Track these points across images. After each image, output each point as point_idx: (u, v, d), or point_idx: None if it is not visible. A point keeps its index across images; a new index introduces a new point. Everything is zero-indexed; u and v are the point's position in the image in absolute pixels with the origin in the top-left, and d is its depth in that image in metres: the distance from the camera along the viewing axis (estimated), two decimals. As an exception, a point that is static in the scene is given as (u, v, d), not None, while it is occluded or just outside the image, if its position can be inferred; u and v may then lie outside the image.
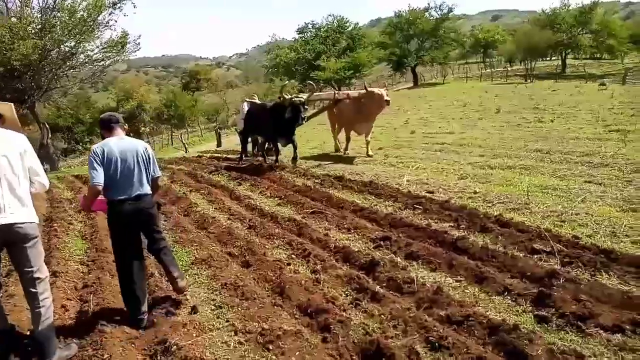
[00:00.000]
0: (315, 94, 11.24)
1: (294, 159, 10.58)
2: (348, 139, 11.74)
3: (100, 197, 3.89)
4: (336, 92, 11.91)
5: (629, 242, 4.78)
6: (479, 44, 70.36)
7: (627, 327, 3.22)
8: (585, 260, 4.34)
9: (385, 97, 10.08)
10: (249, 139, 12.68)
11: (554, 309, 3.57)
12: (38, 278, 3.34)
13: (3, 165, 3.19)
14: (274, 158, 11.24)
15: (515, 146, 10.65)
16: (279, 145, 11.07)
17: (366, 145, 11.24)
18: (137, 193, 3.91)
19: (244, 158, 12.42)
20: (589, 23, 46.06)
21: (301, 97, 9.95)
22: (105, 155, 3.79)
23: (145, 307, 4.05)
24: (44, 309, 3.35)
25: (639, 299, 3.58)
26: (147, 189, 4.00)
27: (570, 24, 46.89)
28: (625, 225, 5.19)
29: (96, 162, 3.74)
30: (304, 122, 9.95)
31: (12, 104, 3.90)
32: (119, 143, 3.92)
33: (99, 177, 3.70)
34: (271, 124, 10.22)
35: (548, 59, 60.20)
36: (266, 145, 12.16)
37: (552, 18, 48.39)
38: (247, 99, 13.29)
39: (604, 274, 4.11)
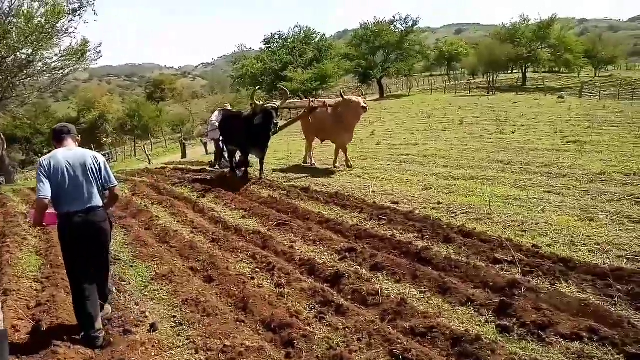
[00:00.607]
0: (288, 101, 10.80)
1: (261, 172, 10.40)
2: (345, 151, 10.97)
3: (52, 210, 3.76)
4: (312, 99, 11.39)
5: (587, 251, 4.90)
6: (443, 57, 72.19)
7: (585, 334, 3.28)
8: (545, 269, 4.42)
9: (362, 104, 9.89)
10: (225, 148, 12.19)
11: (515, 319, 3.60)
12: None
13: None
14: (243, 170, 10.94)
15: (478, 157, 10.87)
16: (252, 157, 10.65)
17: (335, 155, 11.11)
18: (88, 206, 3.79)
19: (218, 168, 12.02)
20: (547, 38, 47.80)
21: (274, 104, 9.57)
22: (52, 167, 3.68)
23: (99, 325, 3.88)
24: None
25: (596, 306, 3.66)
26: (97, 202, 3.87)
27: (530, 39, 48.56)
28: (583, 235, 5.33)
29: (42, 174, 3.64)
30: (276, 130, 9.66)
31: None
32: (67, 154, 3.82)
33: (45, 190, 3.59)
34: (245, 133, 9.78)
35: (509, 72, 62.17)
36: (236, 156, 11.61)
37: (512, 32, 50.01)
38: (220, 108, 12.89)
39: (563, 282, 4.19)
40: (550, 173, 8.60)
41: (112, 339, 3.88)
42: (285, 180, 10.04)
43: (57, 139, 3.95)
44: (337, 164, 11.03)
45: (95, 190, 3.86)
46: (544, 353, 3.21)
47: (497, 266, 4.67)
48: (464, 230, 5.75)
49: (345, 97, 10.48)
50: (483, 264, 4.72)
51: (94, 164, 3.86)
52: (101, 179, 3.90)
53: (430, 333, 3.50)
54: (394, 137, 16.95)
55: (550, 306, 3.71)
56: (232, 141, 10.90)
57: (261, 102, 9.65)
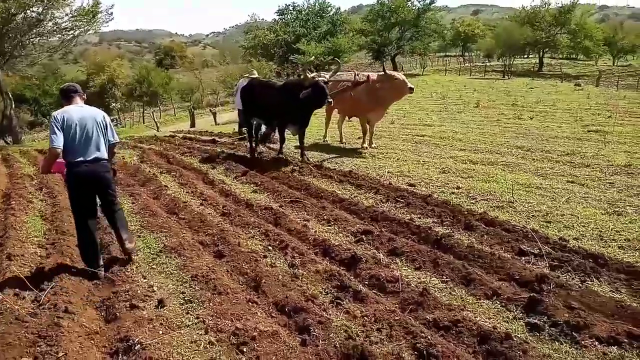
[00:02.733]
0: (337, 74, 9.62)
1: (303, 153, 9.35)
2: (365, 131, 10.31)
3: (60, 160, 4.19)
4: (356, 72, 10.14)
5: (616, 247, 4.66)
6: (459, 37, 70.72)
7: (624, 339, 3.05)
8: (575, 264, 4.17)
9: (409, 85, 9.04)
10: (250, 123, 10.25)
11: (546, 317, 3.38)
12: None
13: None
14: (273, 147, 10.37)
15: (496, 142, 10.55)
16: (287, 133, 9.63)
17: (370, 136, 10.34)
18: (94, 156, 4.24)
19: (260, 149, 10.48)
20: (567, 23, 46.64)
21: (324, 77, 8.58)
22: (65, 121, 4.10)
23: (101, 261, 4.46)
24: None
25: (633, 309, 3.42)
26: (103, 154, 4.34)
27: (550, 23, 47.40)
28: (611, 229, 5.08)
29: (56, 127, 4.05)
30: (330, 104, 8.66)
31: None
32: (79, 110, 4.25)
33: (59, 140, 4.03)
34: (283, 107, 8.73)
35: (525, 56, 60.94)
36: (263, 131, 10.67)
37: (532, 15, 48.79)
38: (246, 75, 11.68)
39: (594, 279, 3.96)
40: (573, 162, 8.31)
41: (117, 314, 3.70)
42: (296, 155, 9.76)
43: (66, 97, 4.36)
44: (365, 144, 10.26)
45: (102, 144, 4.34)
46: (578, 356, 2.99)
47: (523, 258, 4.43)
48: (486, 218, 5.50)
49: (388, 72, 9.52)
50: (508, 255, 4.49)
51: (102, 121, 4.37)
52: (107, 135, 4.41)
53: (455, 327, 3.29)
54: (408, 116, 16.56)
55: (583, 305, 3.48)
56: (264, 115, 9.66)
57: (312, 74, 8.60)
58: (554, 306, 3.46)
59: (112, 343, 3.35)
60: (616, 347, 3.03)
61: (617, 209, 5.75)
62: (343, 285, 4.01)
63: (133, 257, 4.77)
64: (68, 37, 20.11)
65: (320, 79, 8.36)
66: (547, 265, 4.26)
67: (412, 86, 9.15)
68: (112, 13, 20.44)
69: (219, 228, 5.58)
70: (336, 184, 7.49)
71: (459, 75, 43.43)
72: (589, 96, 21.19)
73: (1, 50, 18.28)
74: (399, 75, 9.40)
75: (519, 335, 3.21)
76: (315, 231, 5.44)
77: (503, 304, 3.65)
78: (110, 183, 4.51)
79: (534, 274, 3.97)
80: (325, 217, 5.88)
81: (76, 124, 4.13)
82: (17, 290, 4.04)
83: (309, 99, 8.23)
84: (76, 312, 3.68)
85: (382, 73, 9.44)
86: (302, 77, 8.62)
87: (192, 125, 25.15)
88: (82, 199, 4.34)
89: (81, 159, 4.18)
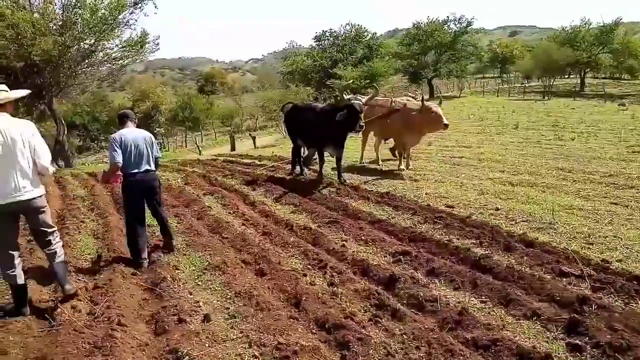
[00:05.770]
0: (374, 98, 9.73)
1: (340, 175, 9.45)
2: (400, 153, 10.52)
3: (117, 172, 5.26)
4: (393, 99, 10.13)
5: (663, 270, 4.55)
6: (497, 59, 69.93)
7: (670, 362, 3.01)
8: (618, 286, 4.12)
9: (444, 121, 8.94)
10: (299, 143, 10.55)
11: (587, 338, 3.36)
12: (51, 232, 4.26)
13: (14, 151, 3.82)
14: (314, 168, 10.47)
15: (536, 163, 10.41)
16: (325, 155, 9.76)
17: (407, 158, 10.41)
18: (145, 168, 5.32)
19: (299, 170, 10.64)
20: (609, 42, 45.53)
21: (360, 100, 8.63)
22: (122, 142, 5.16)
23: (145, 254, 5.45)
24: (58, 249, 4.31)
25: (679, 332, 3.36)
26: (152, 166, 5.42)
27: (591, 43, 46.39)
28: (657, 251, 4.97)
29: (116, 146, 5.12)
30: (361, 129, 8.59)
31: (28, 90, 4.80)
32: (132, 132, 5.33)
33: (119, 157, 5.10)
34: (320, 129, 8.99)
35: (566, 77, 59.63)
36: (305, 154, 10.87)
37: (572, 36, 47.92)
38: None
39: (638, 302, 3.89)
40: (616, 183, 8.11)
41: (166, 327, 3.90)
42: (334, 177, 9.91)
43: (121, 122, 5.48)
44: (402, 166, 10.25)
45: (151, 159, 5.39)
46: (621, 378, 2.97)
47: (564, 279, 4.40)
48: (526, 240, 5.47)
49: (427, 103, 9.36)
50: (548, 276, 4.47)
51: (150, 141, 5.44)
52: (153, 151, 5.44)
53: (495, 346, 3.32)
54: (446, 138, 16.46)
55: (626, 327, 3.44)
56: (305, 136, 9.90)
57: (348, 96, 8.68)
58: (596, 327, 3.44)
59: (161, 354, 3.54)
60: (662, 369, 2.99)
61: (663, 231, 5.60)
62: (382, 304, 4.09)
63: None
64: (117, 67, 21.24)
65: (355, 102, 8.43)
66: (589, 286, 4.22)
67: (447, 122, 9.06)
68: (158, 43, 21.45)
69: (260, 247, 5.78)
70: (373, 205, 7.58)
71: (497, 96, 42.91)
72: (634, 116, 20.53)
73: (57, 80, 19.48)
74: (437, 108, 9.14)
75: (559, 355, 3.21)
76: (353, 251, 5.56)
77: (543, 324, 3.65)
78: (158, 189, 5.61)
79: (575, 295, 3.95)
80: (363, 237, 5.99)
81: (130, 144, 5.19)
82: (73, 303, 4.32)
83: (343, 121, 8.37)
84: (128, 325, 3.90)
85: (420, 103, 9.36)
86: (339, 97, 8.78)
87: (233, 148, 25.84)
88: (135, 203, 5.42)
89: (136, 170, 5.26)
